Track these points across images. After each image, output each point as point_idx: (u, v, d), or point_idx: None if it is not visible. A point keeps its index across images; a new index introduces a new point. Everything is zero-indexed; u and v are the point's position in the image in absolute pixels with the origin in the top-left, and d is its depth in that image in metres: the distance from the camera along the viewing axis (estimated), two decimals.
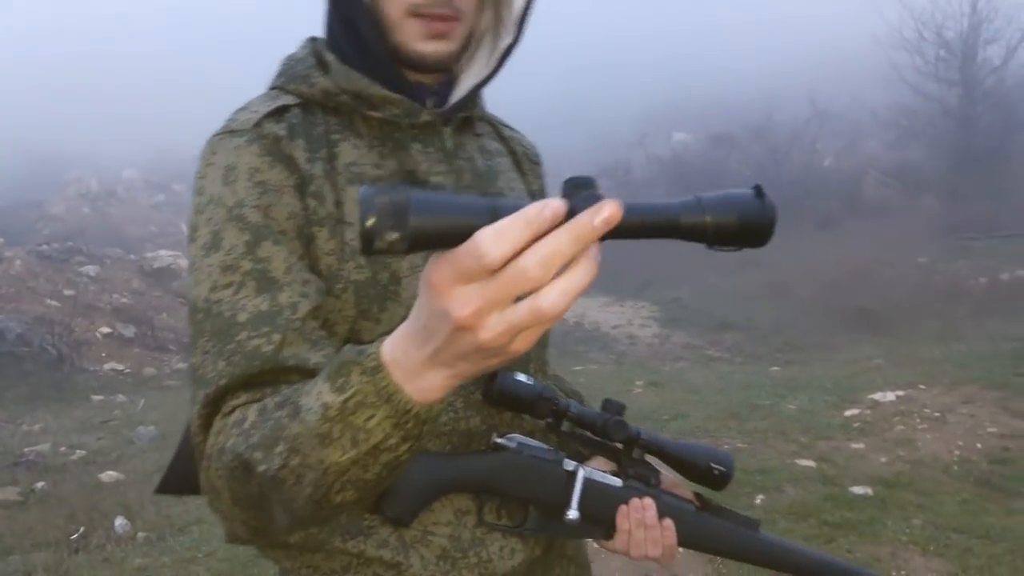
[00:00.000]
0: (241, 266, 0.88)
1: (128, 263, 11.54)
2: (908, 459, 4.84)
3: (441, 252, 0.58)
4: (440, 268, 0.57)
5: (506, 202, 0.58)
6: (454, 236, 0.57)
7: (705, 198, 0.60)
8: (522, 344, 0.59)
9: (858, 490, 4.38)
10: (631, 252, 13.64)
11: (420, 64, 0.98)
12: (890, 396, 6.08)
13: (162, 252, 12.64)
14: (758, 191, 0.62)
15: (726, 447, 5.19)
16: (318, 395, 0.70)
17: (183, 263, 11.92)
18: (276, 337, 0.84)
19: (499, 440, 1.01)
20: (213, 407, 0.84)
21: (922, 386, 6.30)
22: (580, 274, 0.56)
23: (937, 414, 5.58)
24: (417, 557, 0.96)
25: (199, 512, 4.44)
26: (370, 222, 0.56)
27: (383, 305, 0.95)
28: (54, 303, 9.75)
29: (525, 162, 1.20)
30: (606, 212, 0.55)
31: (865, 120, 16.42)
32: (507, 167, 1.14)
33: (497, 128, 1.19)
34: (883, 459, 4.89)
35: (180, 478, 1.00)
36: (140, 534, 4.27)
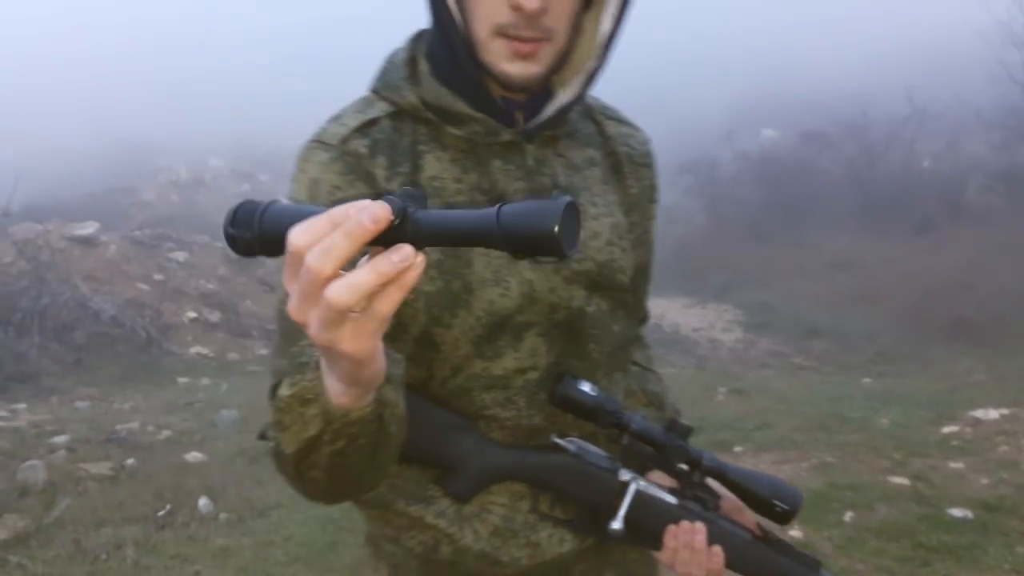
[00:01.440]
0: None
1: (215, 250, 11.85)
2: (1012, 482, 4.57)
3: None
4: (285, 268, 0.62)
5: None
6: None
7: (504, 209, 0.60)
8: (350, 343, 0.62)
9: (957, 512, 4.15)
10: (712, 252, 13.39)
11: (506, 84, 1.00)
12: (993, 414, 5.76)
13: None
14: (556, 203, 0.59)
15: (814, 461, 5.00)
16: (280, 389, 0.82)
17: None
18: None
19: (558, 441, 1.05)
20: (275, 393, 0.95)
21: None
22: (365, 271, 0.58)
23: None
24: (471, 531, 1.04)
25: (279, 496, 4.51)
26: (229, 229, 0.64)
27: (454, 312, 1.00)
28: (145, 287, 10.10)
29: (627, 164, 1.17)
30: (372, 211, 0.58)
31: (968, 120, 15.66)
32: (596, 178, 1.12)
33: (602, 127, 1.16)
34: (984, 481, 4.63)
35: None
36: (222, 515, 4.37)
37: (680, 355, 9.41)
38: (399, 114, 1.04)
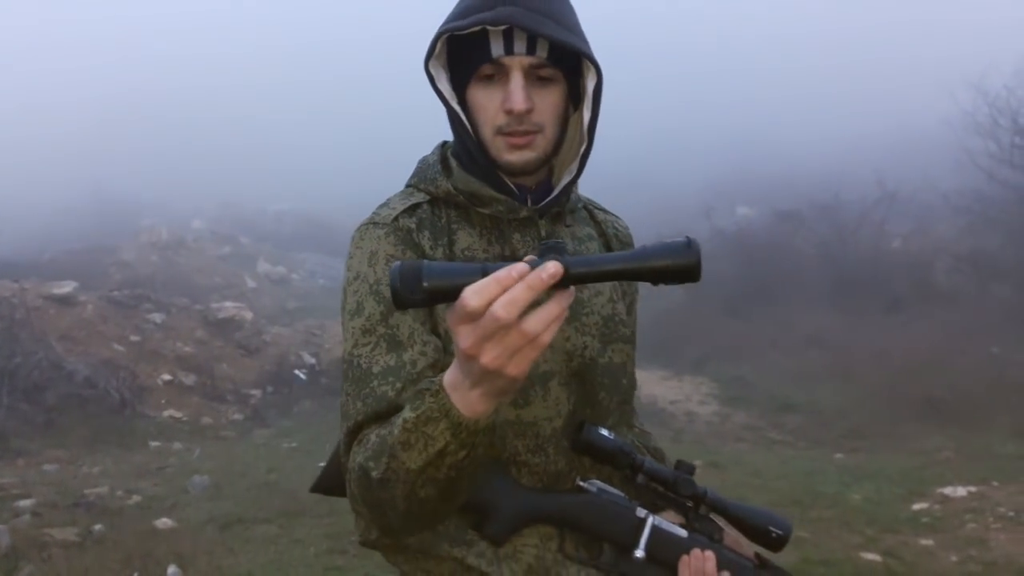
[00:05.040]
0: (377, 330, 1.18)
1: (193, 312, 11.80)
2: (980, 559, 4.62)
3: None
4: (450, 314, 0.86)
5: (495, 265, 0.84)
6: (457, 291, 0.83)
7: (648, 248, 0.84)
8: (516, 368, 0.86)
9: None
10: (689, 325, 13.51)
11: (509, 170, 1.25)
12: (961, 491, 5.82)
13: (227, 303, 12.90)
14: (688, 241, 0.87)
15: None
16: (403, 414, 0.98)
17: (247, 315, 12.14)
18: (398, 385, 1.13)
19: (581, 483, 1.20)
20: (352, 436, 1.14)
21: (995, 483, 6.02)
22: (553, 305, 0.85)
23: (1012, 513, 5.32)
24: (508, 569, 1.18)
25: (250, 565, 4.44)
26: (396, 285, 0.84)
27: None
28: (120, 348, 10.01)
29: (615, 243, 1.42)
30: (551, 269, 0.83)
31: (936, 203, 16.09)
32: (595, 250, 1.37)
33: (592, 212, 1.42)
34: (954, 558, 4.67)
35: (328, 483, 1.27)
36: None
37: (657, 427, 9.41)
38: (435, 201, 1.29)
